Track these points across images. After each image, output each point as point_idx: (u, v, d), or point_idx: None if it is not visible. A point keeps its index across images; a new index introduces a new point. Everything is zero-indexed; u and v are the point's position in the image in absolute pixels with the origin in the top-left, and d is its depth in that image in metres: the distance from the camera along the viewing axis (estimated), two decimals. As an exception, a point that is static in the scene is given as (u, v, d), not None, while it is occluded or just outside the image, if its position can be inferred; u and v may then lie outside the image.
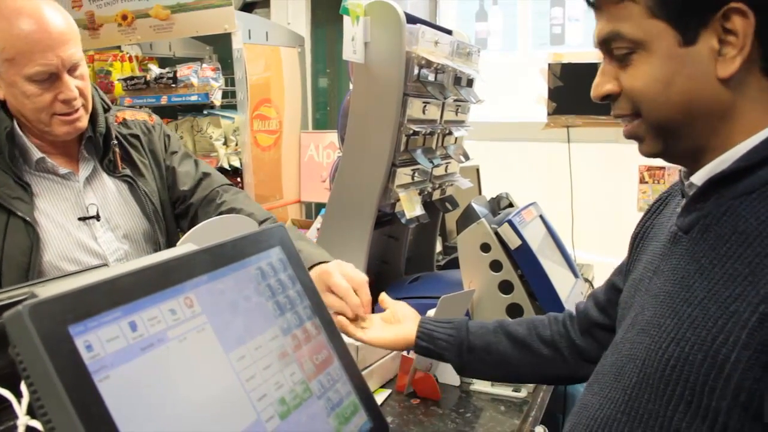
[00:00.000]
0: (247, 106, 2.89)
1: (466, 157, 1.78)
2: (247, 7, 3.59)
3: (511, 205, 1.64)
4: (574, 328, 1.08)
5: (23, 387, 0.61)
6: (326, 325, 0.89)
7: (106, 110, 1.47)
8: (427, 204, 1.63)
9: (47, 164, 1.38)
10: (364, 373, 1.14)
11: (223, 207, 1.49)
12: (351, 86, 1.47)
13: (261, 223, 1.43)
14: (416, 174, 1.55)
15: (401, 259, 1.80)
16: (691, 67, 0.71)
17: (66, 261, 1.38)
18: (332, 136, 3.25)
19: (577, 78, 3.27)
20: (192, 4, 2.80)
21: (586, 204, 3.29)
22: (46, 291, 0.59)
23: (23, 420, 0.65)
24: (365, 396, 0.88)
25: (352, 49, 1.38)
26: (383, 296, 1.21)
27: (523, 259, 1.38)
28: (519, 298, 1.39)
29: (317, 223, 2.72)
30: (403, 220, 1.49)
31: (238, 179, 3.05)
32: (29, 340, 0.54)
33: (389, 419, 1.19)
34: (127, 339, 0.62)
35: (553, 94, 3.33)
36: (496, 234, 1.39)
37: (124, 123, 1.53)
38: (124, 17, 2.95)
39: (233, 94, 2.94)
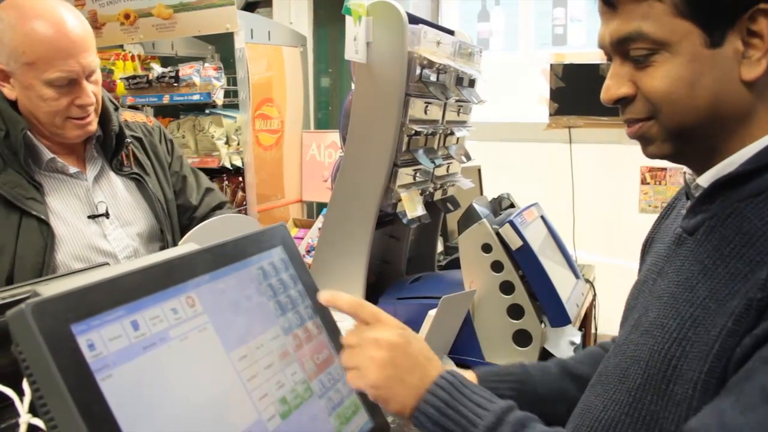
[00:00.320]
0: (249, 105, 2.90)
1: (468, 158, 1.78)
2: (249, 7, 3.59)
3: (512, 205, 1.64)
4: None
5: (25, 385, 0.61)
6: (327, 324, 0.90)
7: (116, 109, 1.51)
8: (429, 204, 1.63)
9: (57, 164, 1.40)
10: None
11: None
12: (353, 86, 1.47)
13: None
14: (418, 174, 1.55)
15: (402, 259, 1.80)
16: (716, 70, 0.69)
17: (77, 260, 1.39)
18: (334, 136, 3.25)
19: (579, 79, 3.27)
20: (194, 4, 2.81)
21: (588, 205, 3.29)
22: (48, 289, 0.59)
23: (25, 418, 0.65)
24: (366, 396, 0.88)
25: (354, 49, 1.38)
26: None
27: (525, 259, 1.38)
28: (520, 298, 1.39)
29: (319, 222, 2.72)
30: (404, 220, 1.50)
31: (240, 178, 3.05)
32: (32, 338, 0.54)
33: (390, 419, 1.20)
34: (129, 338, 0.62)
35: (555, 95, 3.33)
36: (498, 234, 1.39)
37: (126, 124, 1.55)
38: (127, 16, 2.95)
39: (235, 94, 2.94)
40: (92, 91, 1.35)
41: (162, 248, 1.53)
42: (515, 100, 3.44)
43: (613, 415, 0.74)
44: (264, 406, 0.73)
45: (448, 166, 1.72)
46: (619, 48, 0.74)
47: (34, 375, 0.55)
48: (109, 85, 3.07)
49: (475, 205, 1.44)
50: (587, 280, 1.85)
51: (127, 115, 1.59)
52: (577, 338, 1.54)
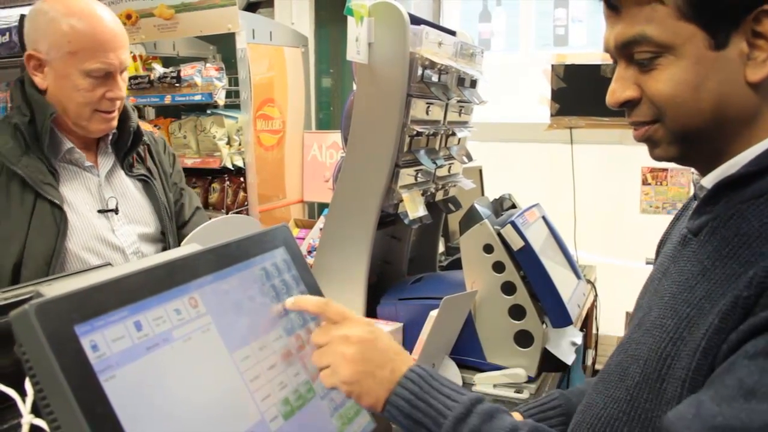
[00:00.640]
0: (251, 105, 2.90)
1: (469, 158, 1.78)
2: (250, 7, 3.59)
3: (513, 206, 1.63)
4: None
5: (28, 385, 0.61)
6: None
7: (132, 110, 1.56)
8: (430, 205, 1.63)
9: (75, 155, 1.44)
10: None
11: None
12: (354, 87, 1.48)
13: None
14: (419, 175, 1.55)
15: (404, 259, 1.80)
16: (721, 72, 0.69)
17: (87, 251, 1.42)
18: (335, 136, 3.25)
19: (580, 79, 3.26)
20: (196, 4, 2.81)
21: (589, 205, 3.29)
22: (52, 290, 0.59)
23: (27, 418, 0.65)
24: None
25: (355, 50, 1.38)
26: None
27: (526, 260, 1.38)
28: (521, 299, 1.39)
29: (320, 223, 2.72)
30: (406, 221, 1.50)
31: (241, 179, 3.05)
32: (35, 339, 0.54)
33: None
34: (133, 339, 0.62)
35: (556, 95, 3.33)
36: (499, 235, 1.39)
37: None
38: (129, 17, 2.95)
39: (237, 94, 2.94)
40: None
41: (163, 250, 1.55)
42: (516, 101, 3.44)
43: (612, 412, 0.74)
44: (267, 406, 0.73)
45: (450, 167, 1.72)
46: (624, 51, 0.73)
47: (37, 375, 0.56)
48: (110, 85, 3.07)
49: (477, 206, 1.44)
50: (588, 281, 1.85)
51: None
52: (579, 339, 1.54)
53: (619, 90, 0.75)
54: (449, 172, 1.73)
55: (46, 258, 1.34)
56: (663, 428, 0.63)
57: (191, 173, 3.11)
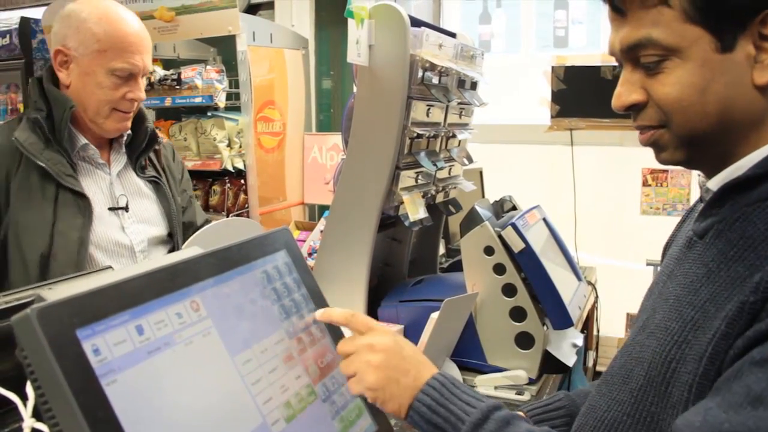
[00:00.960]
0: (251, 108, 2.90)
1: (470, 160, 1.78)
2: (251, 9, 3.60)
3: (514, 207, 1.63)
4: None
5: (29, 389, 0.61)
6: (331, 328, 0.90)
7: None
8: (431, 207, 1.63)
9: (89, 151, 1.47)
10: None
11: None
12: (355, 89, 1.48)
13: None
14: (420, 177, 1.55)
15: (404, 261, 1.80)
16: (727, 75, 0.68)
17: (96, 247, 1.43)
18: (336, 138, 3.25)
19: (580, 81, 3.26)
20: (196, 6, 2.81)
21: (589, 206, 3.29)
22: (53, 294, 0.59)
23: (28, 422, 0.65)
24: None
25: (356, 52, 1.38)
26: None
27: (527, 262, 1.38)
28: (522, 301, 1.39)
29: (321, 225, 2.72)
30: (406, 223, 1.50)
31: (242, 181, 3.05)
32: (37, 343, 0.54)
33: (393, 422, 1.19)
34: (134, 342, 0.62)
35: (557, 97, 3.33)
36: (500, 237, 1.39)
37: None
38: (129, 19, 2.95)
39: (237, 96, 2.95)
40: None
41: (170, 251, 1.56)
42: (517, 102, 3.44)
43: (615, 415, 0.74)
44: (268, 410, 0.73)
45: (450, 169, 1.72)
46: (630, 55, 0.73)
47: (38, 380, 0.56)
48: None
49: (477, 208, 1.44)
50: (589, 282, 1.85)
51: None
52: (580, 340, 1.54)
53: (625, 94, 0.75)
54: (450, 174, 1.73)
55: (76, 246, 1.37)
56: None
57: (192, 175, 3.10)
